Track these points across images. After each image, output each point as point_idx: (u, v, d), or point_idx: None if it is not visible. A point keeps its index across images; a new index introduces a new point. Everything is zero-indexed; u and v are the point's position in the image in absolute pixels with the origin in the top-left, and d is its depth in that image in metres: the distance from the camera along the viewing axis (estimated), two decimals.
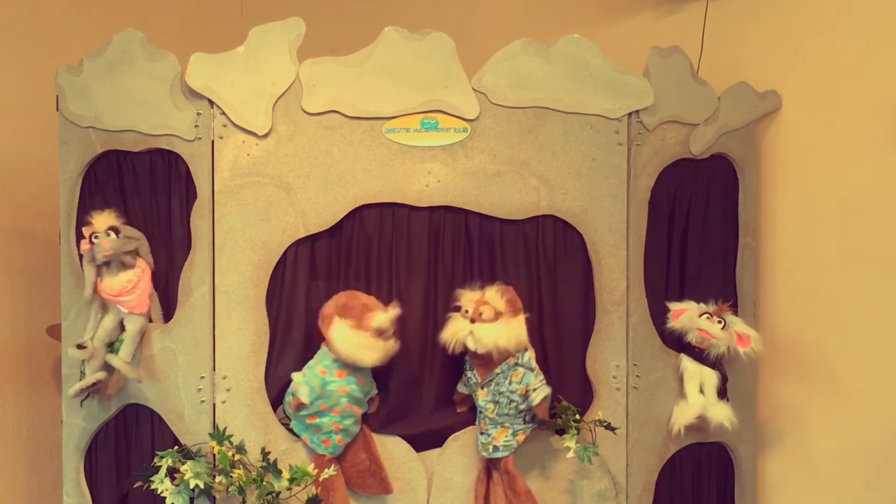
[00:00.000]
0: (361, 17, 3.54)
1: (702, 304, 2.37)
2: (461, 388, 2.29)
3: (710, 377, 2.37)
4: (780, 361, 2.61)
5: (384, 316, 2.15)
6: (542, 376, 2.21)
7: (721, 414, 2.35)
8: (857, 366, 2.47)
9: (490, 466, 2.29)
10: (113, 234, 2.24)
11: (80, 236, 2.37)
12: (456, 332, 2.18)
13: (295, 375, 2.20)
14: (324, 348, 2.20)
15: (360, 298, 2.20)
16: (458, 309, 2.22)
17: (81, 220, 2.37)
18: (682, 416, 2.36)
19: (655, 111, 2.34)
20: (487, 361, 2.20)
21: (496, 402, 2.20)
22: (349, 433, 2.22)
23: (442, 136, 2.26)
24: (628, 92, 2.30)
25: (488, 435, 2.23)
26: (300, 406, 2.18)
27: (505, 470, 2.25)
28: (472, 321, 2.17)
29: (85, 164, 2.36)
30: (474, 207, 2.28)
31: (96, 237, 2.23)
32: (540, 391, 2.18)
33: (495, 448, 2.23)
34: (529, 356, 2.20)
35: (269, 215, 2.24)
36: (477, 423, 2.27)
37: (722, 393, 2.39)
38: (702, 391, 2.38)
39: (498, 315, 2.17)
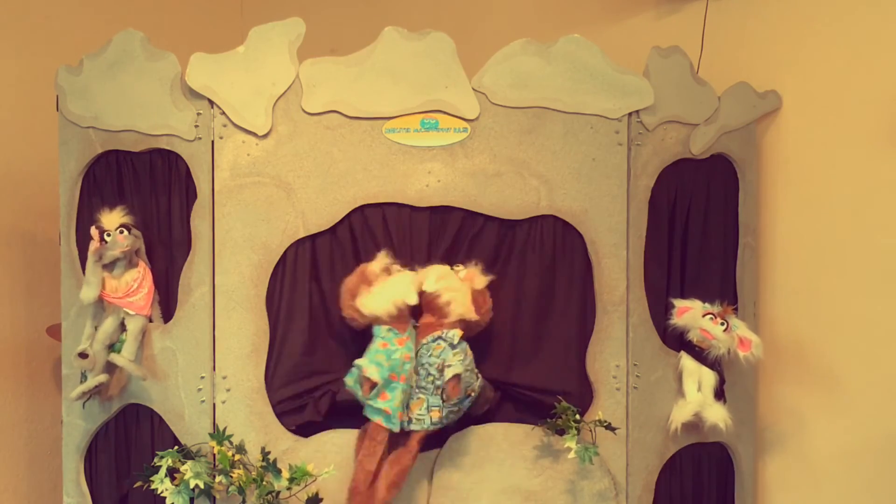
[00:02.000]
0: (361, 17, 3.54)
1: (706, 304, 2.37)
2: None
3: (708, 377, 2.37)
4: (780, 362, 2.61)
5: (374, 263, 2.19)
6: (463, 356, 2.16)
7: (716, 415, 2.36)
8: (857, 366, 2.47)
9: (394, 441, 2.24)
10: (126, 232, 2.24)
11: (80, 236, 2.37)
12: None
13: (358, 361, 2.17)
14: (375, 327, 2.19)
15: (352, 277, 2.21)
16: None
17: (81, 221, 2.38)
18: (680, 413, 2.36)
19: (655, 111, 2.34)
20: (426, 327, 2.21)
21: (416, 373, 2.20)
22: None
23: (442, 136, 2.26)
24: (628, 92, 2.30)
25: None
26: (373, 387, 2.15)
27: (406, 443, 2.19)
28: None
29: (85, 164, 2.36)
30: (474, 207, 2.28)
31: (108, 235, 2.23)
32: (453, 368, 2.14)
33: (409, 420, 2.20)
34: (455, 333, 2.18)
35: (269, 215, 2.24)
36: None
37: (719, 394, 2.40)
38: (700, 390, 2.38)
39: (467, 279, 2.22)
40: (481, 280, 2.23)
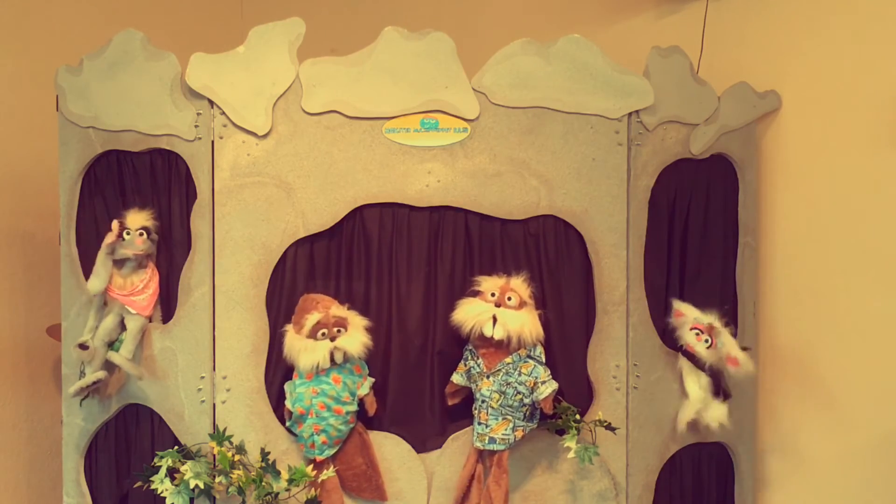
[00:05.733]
0: (361, 17, 3.54)
1: (698, 316, 2.35)
2: (457, 379, 2.27)
3: (704, 378, 2.37)
4: (779, 361, 2.61)
5: (313, 316, 2.15)
6: (549, 371, 2.21)
7: (712, 415, 2.35)
8: (857, 366, 2.47)
9: (481, 462, 2.27)
10: (145, 235, 2.24)
11: (80, 236, 2.37)
12: (479, 314, 2.16)
13: (287, 384, 2.22)
14: None
15: (312, 300, 2.20)
16: (475, 294, 2.21)
17: (81, 221, 2.38)
18: (684, 413, 2.36)
19: (655, 111, 2.34)
20: (496, 350, 2.19)
21: (502, 393, 2.19)
22: (333, 433, 2.20)
23: (442, 136, 2.26)
24: (628, 92, 2.30)
25: (486, 426, 2.22)
26: (289, 414, 2.21)
27: (497, 464, 2.23)
28: (498, 305, 2.17)
29: (85, 164, 2.37)
30: (474, 207, 2.28)
31: (128, 233, 2.23)
32: (549, 384, 2.19)
33: (492, 440, 2.21)
34: (540, 350, 2.21)
35: (269, 215, 2.24)
36: (475, 412, 2.25)
37: (717, 392, 2.38)
38: (701, 388, 2.38)
39: (522, 304, 2.18)
40: (524, 290, 2.19)
